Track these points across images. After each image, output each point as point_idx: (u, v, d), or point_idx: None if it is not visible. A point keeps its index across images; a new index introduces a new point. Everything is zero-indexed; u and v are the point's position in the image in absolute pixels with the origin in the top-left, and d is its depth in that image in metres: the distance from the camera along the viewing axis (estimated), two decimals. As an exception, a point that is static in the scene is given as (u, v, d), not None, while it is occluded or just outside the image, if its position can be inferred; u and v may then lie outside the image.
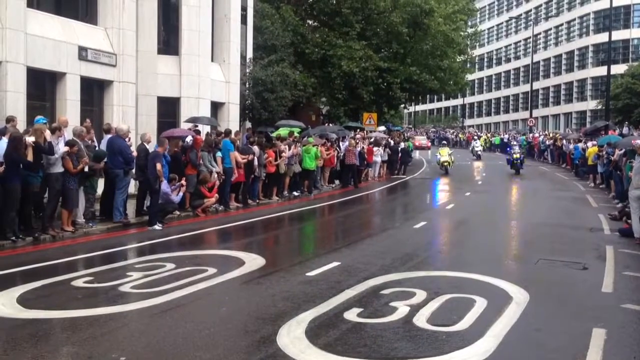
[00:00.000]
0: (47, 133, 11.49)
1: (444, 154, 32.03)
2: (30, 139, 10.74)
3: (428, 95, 64.04)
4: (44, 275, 8.66)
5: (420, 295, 7.61)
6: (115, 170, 13.06)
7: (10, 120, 12.07)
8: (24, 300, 7.23)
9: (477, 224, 15.29)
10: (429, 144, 60.26)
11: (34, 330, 6.22)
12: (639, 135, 24.52)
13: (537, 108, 77.14)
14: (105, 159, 12.90)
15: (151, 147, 14.43)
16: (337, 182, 24.20)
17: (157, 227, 13.00)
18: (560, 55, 79.55)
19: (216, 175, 15.77)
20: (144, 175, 13.47)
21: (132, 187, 14.79)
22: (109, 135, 13.64)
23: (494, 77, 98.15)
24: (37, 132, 10.98)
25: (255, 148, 17.48)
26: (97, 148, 13.28)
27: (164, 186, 13.51)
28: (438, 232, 14.38)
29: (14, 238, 10.59)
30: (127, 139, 13.82)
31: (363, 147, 25.83)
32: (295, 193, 20.22)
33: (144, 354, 5.63)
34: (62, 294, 7.76)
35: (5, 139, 10.88)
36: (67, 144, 11.62)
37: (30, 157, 10.62)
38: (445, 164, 31.48)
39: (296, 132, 22.81)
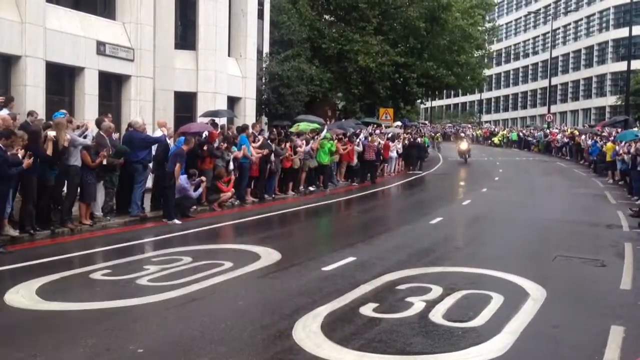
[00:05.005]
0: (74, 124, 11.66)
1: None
2: (52, 133, 10.82)
3: (445, 91, 63.72)
4: (62, 267, 8.76)
5: (436, 290, 7.59)
6: (135, 165, 13.13)
7: (30, 114, 12.17)
8: (43, 292, 7.31)
9: (493, 220, 15.20)
10: None
11: (53, 322, 6.30)
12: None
13: (555, 104, 76.39)
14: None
15: (170, 141, 14.51)
16: (356, 179, 23.88)
17: (177, 221, 13.06)
18: (580, 50, 78.72)
19: (232, 166, 15.81)
20: (161, 169, 13.53)
21: (149, 181, 14.87)
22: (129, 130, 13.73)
23: (511, 72, 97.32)
24: (59, 126, 11.06)
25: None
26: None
27: (183, 181, 13.56)
28: (454, 227, 14.31)
29: (32, 231, 10.70)
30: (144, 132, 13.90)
31: (380, 143, 25.78)
32: (311, 188, 20.23)
33: (161, 346, 5.68)
34: (80, 286, 7.85)
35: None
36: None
37: (49, 151, 10.71)
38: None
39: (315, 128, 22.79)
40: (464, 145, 37.30)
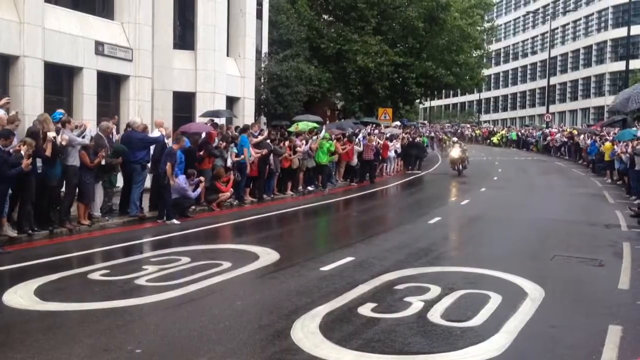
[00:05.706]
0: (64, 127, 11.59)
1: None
2: (51, 134, 10.80)
3: (444, 91, 63.82)
4: (60, 268, 8.75)
5: (435, 290, 7.59)
6: (133, 165, 13.13)
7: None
8: (41, 293, 7.31)
9: (492, 219, 15.21)
10: None
11: (51, 322, 6.29)
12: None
13: (554, 103, 76.46)
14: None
15: (168, 141, 14.50)
16: (355, 179, 23.82)
17: (175, 221, 13.06)
18: (578, 50, 78.75)
19: (230, 162, 15.83)
20: (158, 169, 13.52)
21: (147, 181, 14.86)
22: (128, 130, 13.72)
23: (510, 72, 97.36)
24: (47, 120, 11.06)
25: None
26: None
27: (182, 182, 13.55)
28: (453, 227, 14.32)
29: (30, 231, 10.69)
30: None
31: (379, 142, 25.78)
32: (309, 188, 20.23)
33: (159, 346, 5.67)
34: (78, 286, 7.85)
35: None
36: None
37: (49, 152, 10.69)
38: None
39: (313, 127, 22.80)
40: (455, 152, 27.99)
